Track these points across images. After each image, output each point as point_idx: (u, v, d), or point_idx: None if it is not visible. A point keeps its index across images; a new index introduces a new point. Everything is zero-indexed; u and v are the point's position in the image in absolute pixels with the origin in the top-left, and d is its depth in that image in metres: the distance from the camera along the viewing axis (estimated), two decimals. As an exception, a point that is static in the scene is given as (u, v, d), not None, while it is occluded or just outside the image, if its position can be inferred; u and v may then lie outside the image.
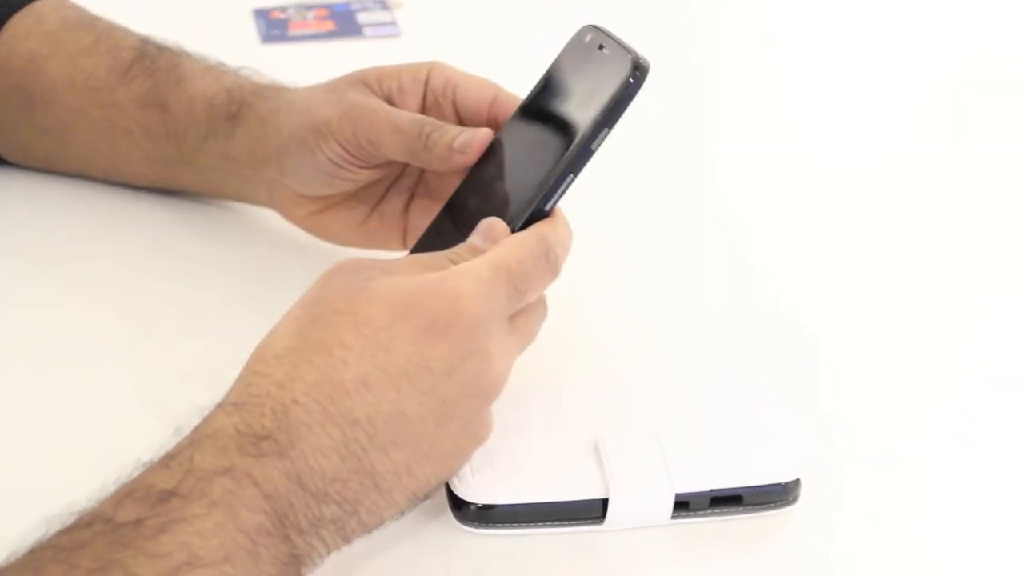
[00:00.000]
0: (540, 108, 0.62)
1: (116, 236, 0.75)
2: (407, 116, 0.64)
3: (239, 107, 0.70)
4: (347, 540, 0.52)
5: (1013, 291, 0.77)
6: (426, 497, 0.55)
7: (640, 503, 0.58)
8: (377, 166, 0.66)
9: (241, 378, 0.52)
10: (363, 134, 0.64)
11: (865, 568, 0.59)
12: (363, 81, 0.66)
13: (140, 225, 0.76)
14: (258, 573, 0.48)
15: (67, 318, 0.70)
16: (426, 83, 0.67)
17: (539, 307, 0.58)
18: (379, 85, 0.66)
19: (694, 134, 0.91)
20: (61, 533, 0.46)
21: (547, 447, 0.59)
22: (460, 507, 0.58)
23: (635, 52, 0.58)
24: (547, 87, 0.62)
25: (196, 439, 0.49)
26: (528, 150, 0.61)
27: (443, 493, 0.58)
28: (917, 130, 0.93)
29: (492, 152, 0.63)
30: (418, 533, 0.58)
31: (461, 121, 0.67)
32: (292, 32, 0.96)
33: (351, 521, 0.51)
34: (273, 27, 0.97)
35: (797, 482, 0.59)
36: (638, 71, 0.57)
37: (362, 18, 0.99)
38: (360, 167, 0.66)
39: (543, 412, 0.61)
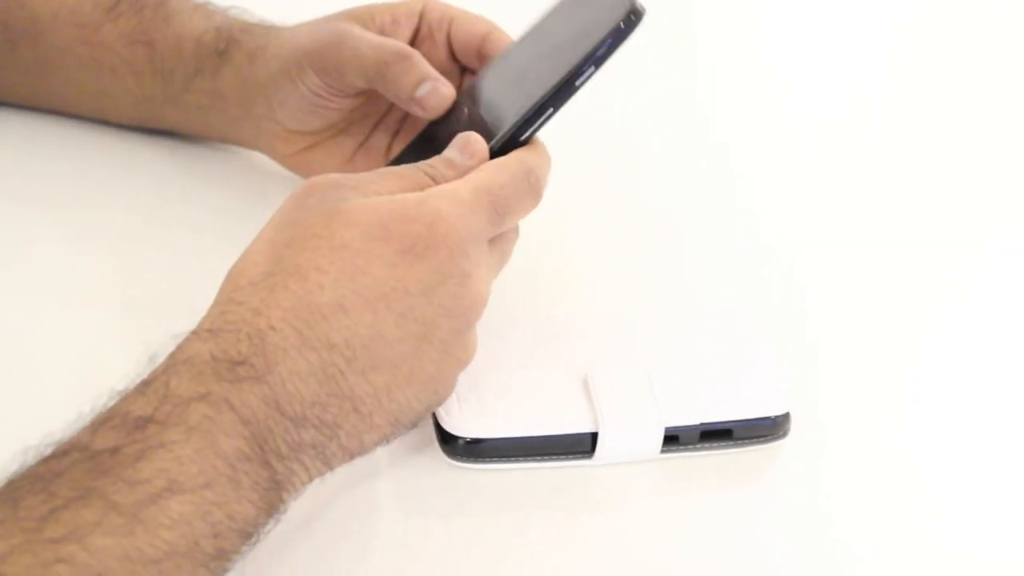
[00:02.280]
0: (531, 44, 0.62)
1: (98, 173, 0.74)
2: (372, 41, 0.64)
3: (227, 44, 0.69)
4: (329, 466, 0.52)
5: (1001, 225, 0.77)
6: (412, 425, 0.54)
7: (630, 437, 0.58)
8: (358, 95, 0.66)
9: (216, 304, 0.52)
10: (332, 60, 0.64)
11: (854, 501, 0.59)
12: (353, 15, 0.66)
13: (122, 162, 0.75)
14: (239, 499, 0.48)
15: (43, 251, 0.70)
16: (420, 16, 0.66)
17: (511, 232, 0.58)
18: (371, 19, 0.66)
19: (685, 69, 0.90)
20: (39, 463, 0.46)
21: (536, 381, 0.59)
22: (448, 441, 0.58)
23: None
24: (541, 26, 0.62)
25: (171, 365, 0.49)
26: (513, 83, 0.61)
27: (432, 427, 0.58)
28: (907, 65, 0.92)
29: (477, 82, 0.62)
30: (406, 468, 0.58)
31: (453, 56, 0.66)
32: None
33: (331, 446, 0.51)
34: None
35: (787, 416, 0.59)
36: (633, 15, 0.57)
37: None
38: (339, 96, 0.66)
39: (532, 347, 0.61)
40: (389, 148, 0.69)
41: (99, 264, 0.69)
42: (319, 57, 0.65)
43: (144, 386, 0.49)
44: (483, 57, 0.65)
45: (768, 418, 0.59)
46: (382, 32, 0.66)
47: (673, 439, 0.58)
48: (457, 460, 0.58)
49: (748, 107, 0.86)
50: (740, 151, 0.82)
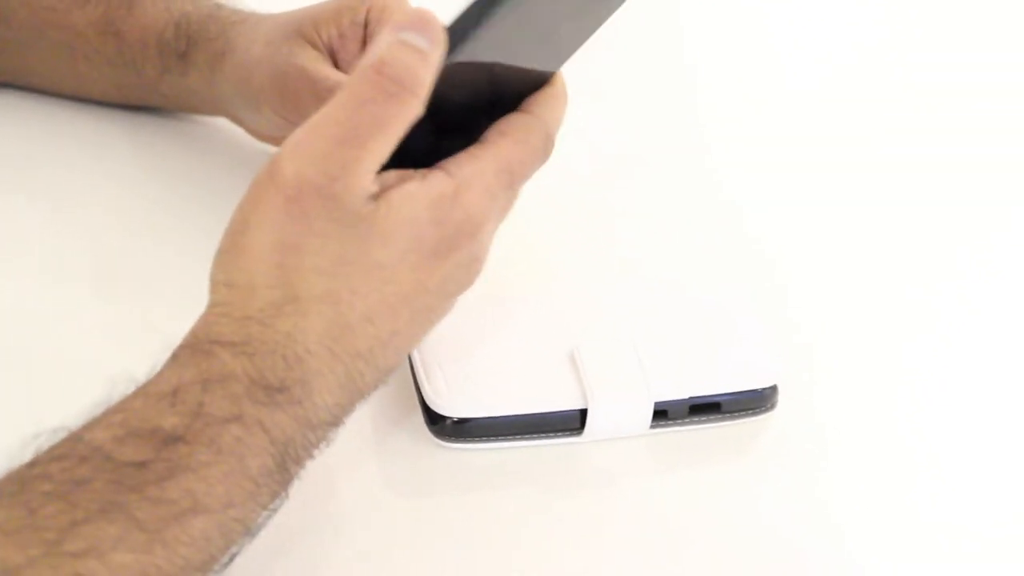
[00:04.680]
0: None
1: (80, 149, 0.73)
2: (332, 81, 0.62)
3: (187, 46, 0.68)
4: (329, 444, 0.51)
5: (987, 201, 0.77)
6: None
7: (619, 413, 0.57)
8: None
9: (229, 316, 0.49)
10: (290, 103, 0.63)
11: (842, 472, 0.59)
12: (300, 33, 0.64)
13: (104, 138, 0.74)
14: (257, 507, 0.47)
15: (41, 229, 0.69)
16: (366, 23, 0.64)
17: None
18: (318, 34, 0.64)
19: (671, 57, 0.89)
20: (53, 460, 0.45)
21: (523, 359, 0.59)
22: (436, 421, 0.57)
23: None
24: None
25: (204, 380, 0.47)
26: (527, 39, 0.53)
27: (418, 407, 0.58)
28: (887, 48, 0.92)
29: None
30: (393, 447, 0.58)
31: None
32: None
33: (334, 431, 0.51)
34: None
35: (774, 388, 0.59)
36: None
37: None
38: (293, 124, 0.63)
39: (518, 324, 0.61)
40: None
41: (90, 245, 0.68)
42: (277, 99, 0.64)
43: (174, 398, 0.47)
44: None
45: (756, 391, 0.59)
46: (331, 50, 0.64)
47: (662, 414, 0.58)
48: (444, 440, 0.57)
49: (736, 94, 0.85)
50: (727, 134, 0.81)
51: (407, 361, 0.60)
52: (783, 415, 0.60)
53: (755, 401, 0.59)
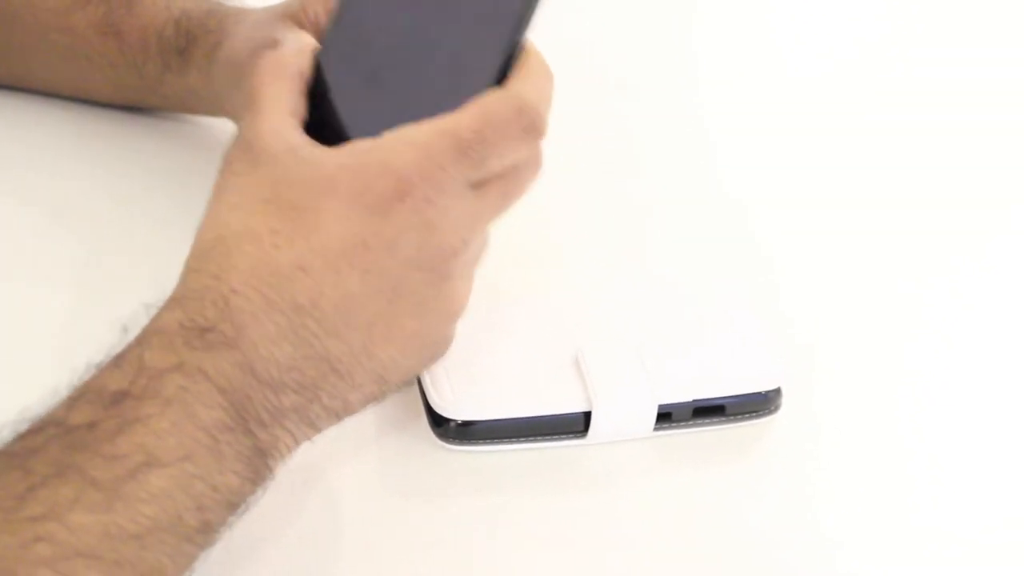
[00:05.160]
0: None
1: (62, 146, 0.73)
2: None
3: (187, 42, 0.67)
4: (315, 428, 0.51)
5: (995, 202, 0.77)
6: (403, 382, 0.53)
7: (623, 415, 0.57)
8: None
9: (180, 275, 0.50)
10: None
11: (845, 476, 0.59)
12: (287, 13, 0.63)
13: (86, 132, 0.74)
14: (222, 470, 0.47)
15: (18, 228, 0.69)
16: None
17: (524, 168, 0.52)
18: (304, 12, 0.63)
19: (674, 54, 0.89)
20: (14, 440, 0.45)
21: (527, 361, 0.59)
22: (439, 424, 0.57)
23: None
24: None
25: (143, 337, 0.48)
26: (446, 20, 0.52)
27: (422, 409, 0.58)
28: (891, 45, 0.92)
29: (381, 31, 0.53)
30: (396, 449, 0.58)
31: None
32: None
33: (314, 407, 0.50)
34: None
35: (778, 391, 0.59)
36: None
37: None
38: None
39: (522, 326, 0.61)
40: None
41: (65, 239, 0.68)
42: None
43: (119, 359, 0.47)
44: None
45: (760, 393, 0.59)
46: (316, 26, 0.63)
47: (666, 416, 0.58)
48: (448, 442, 0.57)
49: (740, 91, 0.85)
50: (730, 133, 0.81)
51: None
52: (786, 417, 0.60)
53: (759, 403, 0.59)
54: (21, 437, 0.45)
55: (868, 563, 0.56)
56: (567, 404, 0.57)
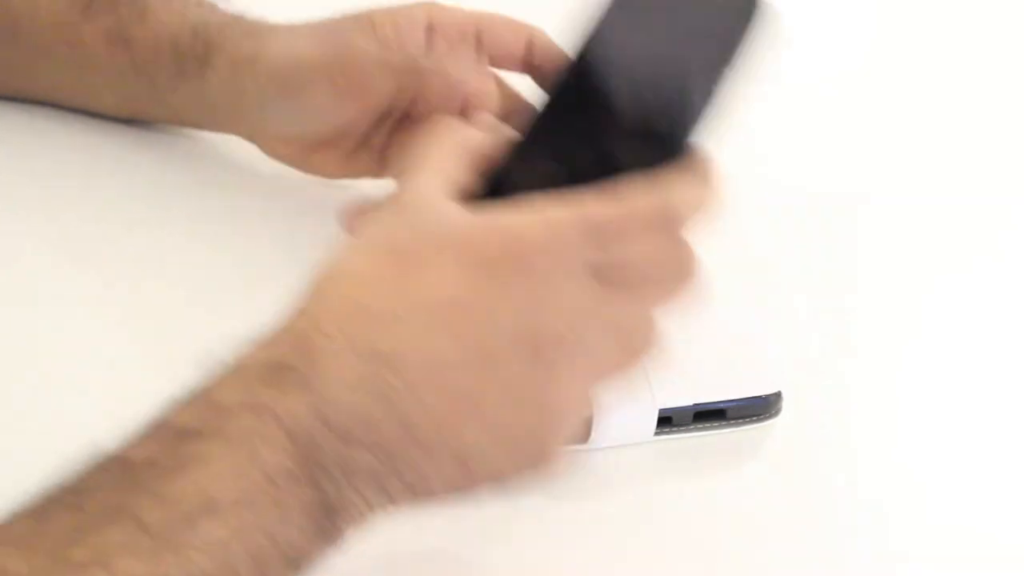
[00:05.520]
0: (633, 53, 0.52)
1: (92, 166, 0.72)
2: (398, 55, 0.61)
3: (206, 49, 0.66)
4: (392, 500, 0.46)
5: (986, 198, 0.77)
6: (496, 485, 0.48)
7: (624, 420, 0.57)
8: (367, 105, 0.63)
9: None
10: (355, 78, 0.61)
11: (847, 478, 0.59)
12: (355, 26, 0.63)
13: (115, 156, 0.73)
14: (283, 521, 0.44)
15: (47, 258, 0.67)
16: (429, 26, 0.62)
17: (663, 270, 0.49)
18: (371, 29, 0.62)
19: None
20: (80, 474, 0.43)
21: None
22: None
23: None
24: (621, 26, 0.53)
25: (220, 375, 0.46)
26: (632, 96, 0.52)
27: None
28: (894, 48, 0.92)
29: (574, 88, 0.53)
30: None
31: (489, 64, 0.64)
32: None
33: (391, 478, 0.46)
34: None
35: (779, 395, 0.60)
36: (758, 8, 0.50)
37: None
38: (349, 109, 0.63)
39: None
40: (389, 138, 0.65)
41: (113, 267, 0.66)
42: (337, 76, 0.62)
43: (192, 394, 0.45)
44: (531, 68, 0.62)
45: (761, 397, 0.59)
46: (386, 46, 0.62)
47: (667, 420, 0.58)
48: None
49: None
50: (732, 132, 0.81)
51: None
52: (787, 421, 0.60)
53: (759, 407, 0.59)
54: (85, 472, 0.43)
55: (870, 566, 0.57)
56: None
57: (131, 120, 0.73)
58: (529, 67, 0.62)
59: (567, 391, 0.47)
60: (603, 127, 0.51)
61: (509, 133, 0.52)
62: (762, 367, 0.60)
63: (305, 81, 0.62)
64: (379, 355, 0.45)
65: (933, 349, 0.67)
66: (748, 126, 0.80)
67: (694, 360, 0.59)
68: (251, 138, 0.69)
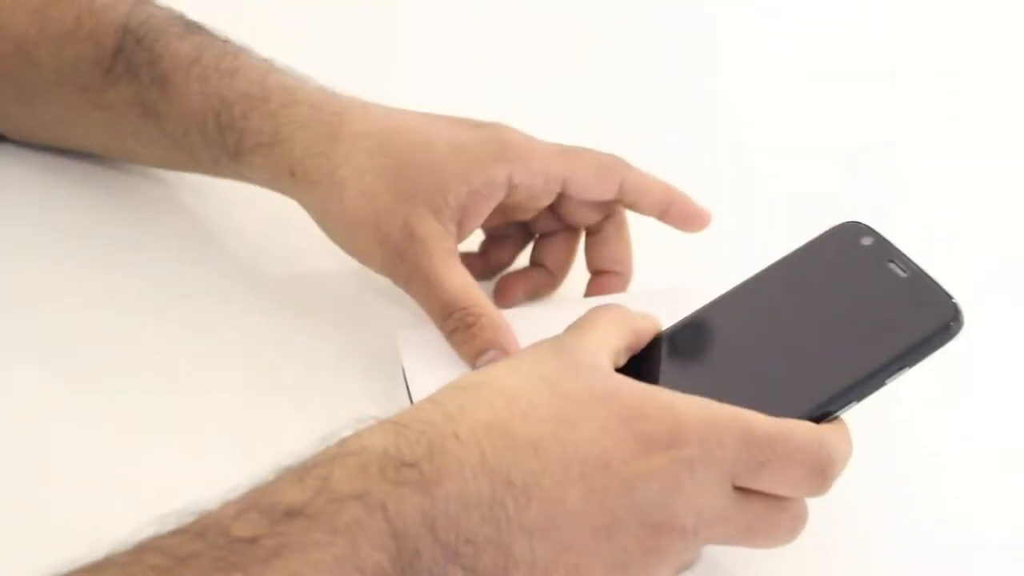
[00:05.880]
0: (794, 301, 0.54)
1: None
2: (444, 293, 0.60)
3: (236, 145, 0.64)
4: None
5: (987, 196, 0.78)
6: None
7: None
8: None
9: (416, 402, 0.49)
10: (403, 282, 0.61)
11: (847, 481, 0.57)
12: (420, 195, 0.61)
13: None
14: None
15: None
16: (510, 188, 0.62)
17: (784, 512, 0.49)
18: (445, 202, 0.61)
19: (681, 55, 0.91)
20: (174, 533, 0.43)
21: None
22: None
23: (951, 296, 0.51)
24: (797, 277, 0.55)
25: (340, 454, 0.45)
26: (780, 342, 0.53)
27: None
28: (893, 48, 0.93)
29: (729, 314, 0.55)
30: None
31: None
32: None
33: None
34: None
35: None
36: (955, 323, 0.50)
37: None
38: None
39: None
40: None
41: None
42: (389, 272, 0.62)
43: (304, 471, 0.45)
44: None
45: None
46: (461, 210, 0.61)
47: None
48: None
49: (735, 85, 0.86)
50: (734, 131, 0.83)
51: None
52: None
53: None
54: (181, 532, 0.43)
55: (871, 567, 0.56)
56: None
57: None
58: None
59: (663, 573, 0.48)
60: (755, 359, 0.53)
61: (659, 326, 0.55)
62: None
63: (363, 255, 0.63)
64: (508, 483, 0.45)
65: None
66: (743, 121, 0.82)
67: None
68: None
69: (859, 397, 0.50)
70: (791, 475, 0.48)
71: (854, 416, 0.49)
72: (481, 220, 0.63)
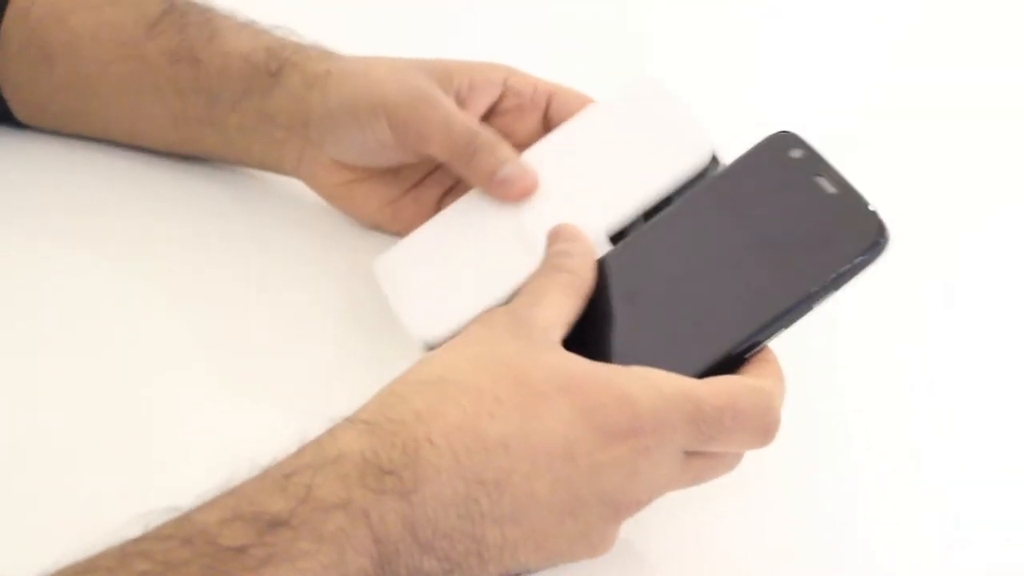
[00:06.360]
0: (724, 224, 0.54)
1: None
2: (463, 121, 0.63)
3: (280, 64, 0.67)
4: None
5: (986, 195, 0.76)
6: None
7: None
8: (426, 159, 0.65)
9: (379, 394, 0.50)
10: (415, 125, 0.63)
11: (848, 480, 0.59)
12: (432, 72, 0.65)
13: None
14: None
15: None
16: (504, 88, 0.66)
17: (729, 459, 0.52)
18: (449, 81, 0.65)
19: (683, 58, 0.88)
20: (159, 539, 0.44)
21: (477, 246, 0.61)
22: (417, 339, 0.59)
23: (876, 213, 0.50)
24: (727, 196, 0.55)
25: (319, 460, 0.47)
26: (713, 272, 0.53)
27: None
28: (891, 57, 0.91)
29: (639, 258, 0.56)
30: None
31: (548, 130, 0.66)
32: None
33: None
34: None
35: (715, 159, 0.59)
36: (882, 239, 0.50)
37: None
38: (406, 156, 0.65)
39: (464, 226, 0.62)
40: (439, 202, 0.67)
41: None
42: (401, 116, 0.63)
43: (286, 479, 0.46)
44: None
45: (701, 166, 0.58)
46: (459, 99, 0.65)
47: (620, 236, 0.58)
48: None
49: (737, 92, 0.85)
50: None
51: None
52: (787, 423, 0.58)
53: (699, 175, 0.59)
54: (166, 539, 0.44)
55: (869, 565, 0.56)
56: (524, 274, 0.57)
57: (173, 154, 0.73)
58: None
59: (612, 537, 0.51)
60: (687, 294, 0.53)
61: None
62: (688, 140, 0.59)
63: (372, 114, 0.64)
64: (481, 482, 0.47)
65: (934, 349, 0.66)
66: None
67: (620, 169, 0.60)
68: (296, 164, 0.69)
69: (787, 324, 0.50)
70: (738, 440, 0.50)
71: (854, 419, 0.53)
72: (477, 115, 0.65)
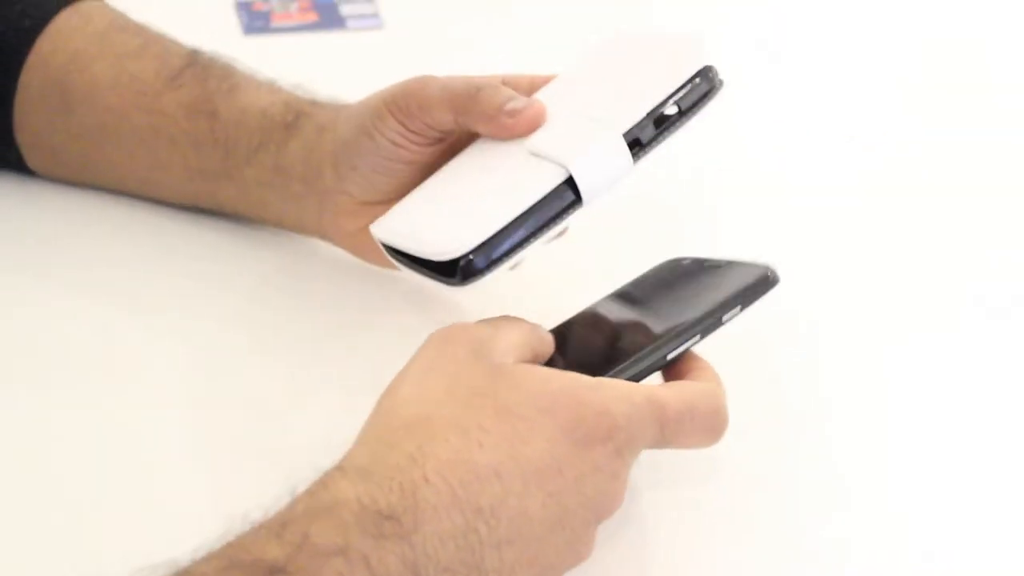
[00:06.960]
0: (640, 296, 0.62)
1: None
2: (460, 78, 0.63)
3: (296, 117, 0.68)
4: None
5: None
6: None
7: (600, 159, 0.58)
8: (437, 142, 0.65)
9: (364, 442, 0.51)
10: (416, 98, 0.63)
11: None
12: (389, 104, 0.65)
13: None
14: None
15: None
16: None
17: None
18: (406, 104, 0.64)
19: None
20: None
21: (488, 177, 0.61)
22: (450, 272, 0.57)
23: (765, 264, 0.58)
24: (640, 286, 0.62)
25: (314, 509, 0.47)
26: (657, 315, 0.60)
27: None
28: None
29: (591, 319, 0.62)
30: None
31: None
32: (275, 24, 0.99)
33: None
34: (255, 19, 1.00)
35: (710, 69, 0.59)
36: (772, 273, 0.58)
37: (345, 10, 1.02)
38: (418, 143, 0.65)
39: (466, 171, 0.63)
40: None
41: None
42: (401, 99, 0.64)
43: (281, 528, 0.47)
44: None
45: (698, 76, 0.59)
46: (414, 119, 0.64)
47: (636, 144, 0.58)
48: (467, 283, 0.57)
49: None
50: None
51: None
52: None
53: (702, 88, 0.59)
54: None
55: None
56: (549, 182, 0.57)
57: (186, 207, 0.74)
58: None
59: (591, 540, 0.53)
60: (627, 329, 0.60)
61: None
62: (684, 51, 0.60)
63: (376, 115, 0.64)
64: (478, 510, 0.49)
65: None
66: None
67: (624, 83, 0.61)
68: (317, 217, 0.69)
69: (702, 333, 0.56)
70: (694, 439, 0.54)
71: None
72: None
